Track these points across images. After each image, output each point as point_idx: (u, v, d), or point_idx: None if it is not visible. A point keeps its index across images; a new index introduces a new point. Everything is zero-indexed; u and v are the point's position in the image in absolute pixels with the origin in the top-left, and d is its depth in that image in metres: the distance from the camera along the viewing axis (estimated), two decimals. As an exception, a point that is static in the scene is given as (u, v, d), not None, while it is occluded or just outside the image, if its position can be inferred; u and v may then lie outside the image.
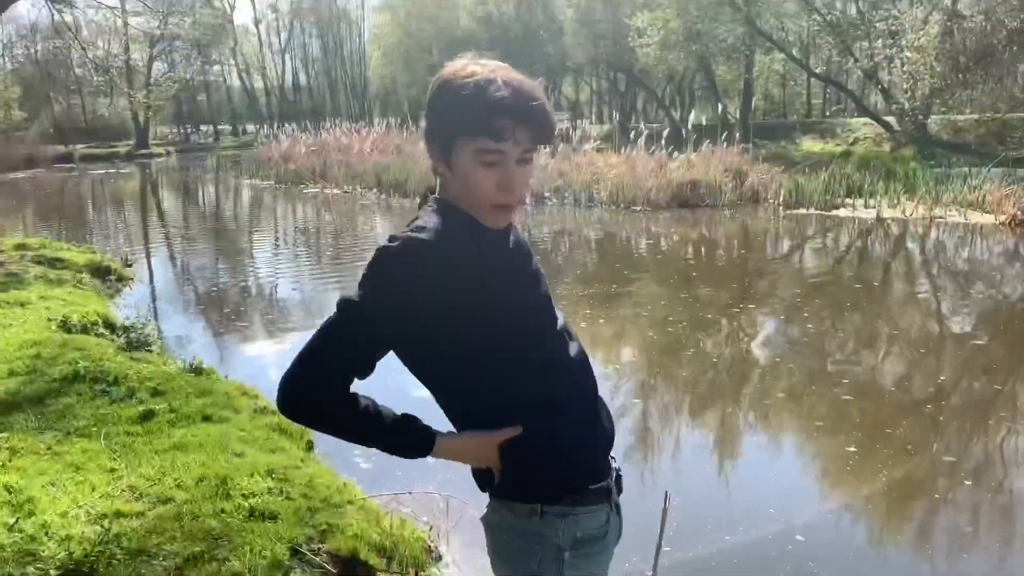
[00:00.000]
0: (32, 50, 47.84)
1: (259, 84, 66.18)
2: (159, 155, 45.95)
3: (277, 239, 15.72)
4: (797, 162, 20.78)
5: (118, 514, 3.28)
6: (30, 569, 2.85)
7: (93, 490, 3.50)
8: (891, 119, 26.42)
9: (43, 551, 2.96)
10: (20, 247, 10.63)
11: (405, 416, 1.49)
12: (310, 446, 4.62)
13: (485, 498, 1.62)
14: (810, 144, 27.64)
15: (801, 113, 41.30)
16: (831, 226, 14.50)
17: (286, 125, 35.57)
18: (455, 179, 1.48)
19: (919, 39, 20.75)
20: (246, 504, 3.40)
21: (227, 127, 64.52)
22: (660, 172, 17.18)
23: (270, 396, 5.14)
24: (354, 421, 1.44)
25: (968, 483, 4.46)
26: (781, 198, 16.39)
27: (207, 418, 4.49)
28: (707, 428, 5.53)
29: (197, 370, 5.53)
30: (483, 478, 1.58)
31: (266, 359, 7.06)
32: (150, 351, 6.25)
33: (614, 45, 35.68)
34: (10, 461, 3.77)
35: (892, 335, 7.54)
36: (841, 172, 17.60)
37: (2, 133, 40.22)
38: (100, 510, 3.30)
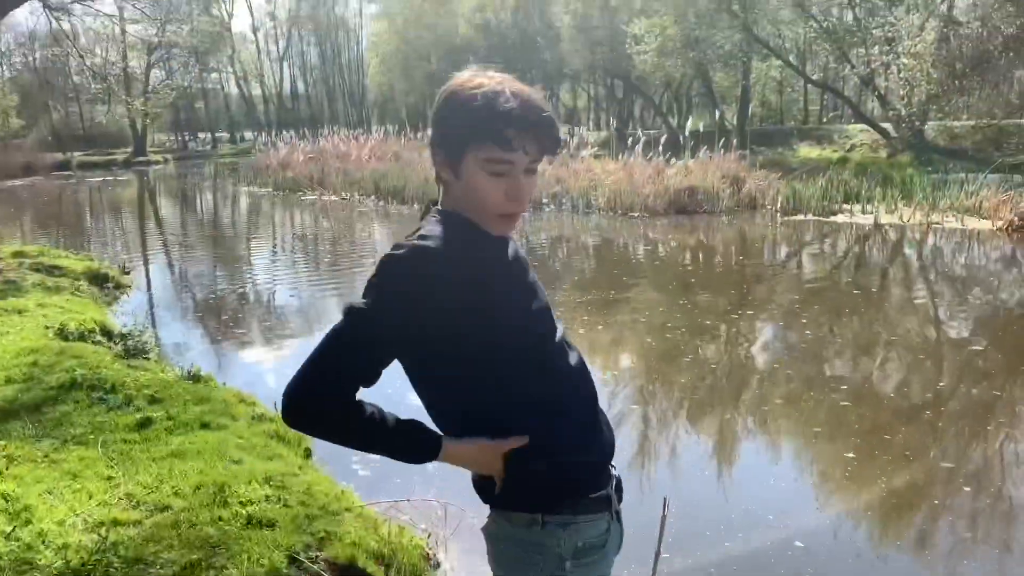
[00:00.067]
0: (30, 58, 47.88)
1: (257, 92, 66.30)
2: (157, 162, 45.98)
3: (275, 246, 15.72)
4: (794, 168, 20.82)
5: (115, 522, 3.27)
6: (27, 578, 2.84)
7: (90, 498, 3.49)
8: (888, 125, 26.49)
9: (40, 560, 2.95)
10: (18, 254, 10.62)
11: (411, 422, 1.49)
12: (308, 453, 4.61)
13: (483, 506, 1.62)
14: (807, 150, 27.71)
15: (798, 119, 41.37)
16: (829, 232, 14.52)
17: (284, 132, 35.55)
18: (461, 187, 1.50)
19: (915, 45, 20.81)
20: (244, 512, 3.39)
21: (225, 135, 64.58)
22: (658, 179, 17.21)
23: (268, 403, 5.14)
24: (361, 429, 1.44)
25: (967, 489, 4.46)
26: (779, 204, 16.42)
27: (205, 425, 4.48)
28: (706, 434, 5.52)
29: (195, 377, 5.53)
30: (484, 488, 1.58)
31: (264, 366, 7.05)
32: (148, 358, 6.24)
33: (611, 52, 35.78)
34: (7, 469, 3.76)
35: (890, 341, 7.54)
36: (838, 178, 17.64)
37: (0, 141, 40.21)
38: (97, 518, 3.29)
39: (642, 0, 32.55)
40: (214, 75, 61.76)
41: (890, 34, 23.06)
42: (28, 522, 3.19)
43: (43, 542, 3.06)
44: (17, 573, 2.86)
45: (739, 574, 3.66)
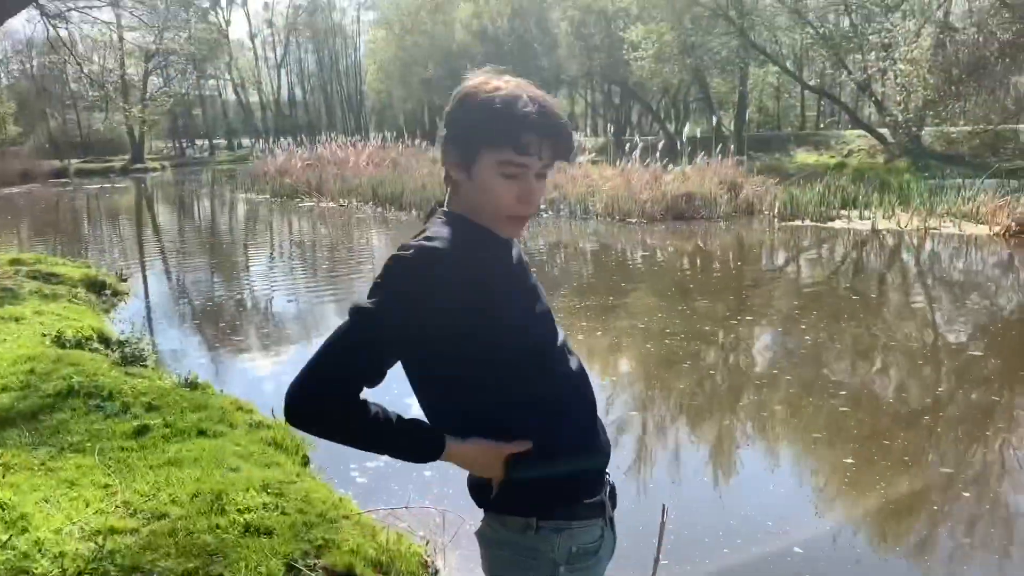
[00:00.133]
0: (28, 65, 47.87)
1: (254, 98, 66.38)
2: (154, 169, 46.00)
3: (272, 253, 15.71)
4: (792, 174, 20.86)
5: (112, 530, 3.25)
6: (23, 587, 2.82)
7: (87, 506, 3.48)
8: (885, 131, 26.55)
9: (36, 568, 2.94)
10: (15, 262, 10.61)
11: (413, 421, 1.49)
12: (306, 461, 4.60)
13: (482, 513, 1.61)
14: (804, 156, 27.76)
15: (795, 125, 41.47)
16: (826, 237, 14.53)
17: (282, 139, 35.63)
18: (472, 187, 1.51)
19: (912, 51, 20.85)
20: (241, 519, 3.37)
21: (222, 141, 64.61)
22: (655, 184, 17.23)
23: (265, 410, 5.13)
24: (364, 429, 1.44)
25: (966, 495, 4.46)
26: (776, 210, 16.44)
27: (202, 433, 4.47)
28: (704, 440, 5.51)
29: (192, 385, 5.52)
30: (479, 491, 1.58)
31: (262, 374, 7.04)
32: (145, 366, 6.23)
33: (608, 58, 35.85)
34: (3, 477, 3.74)
35: (889, 346, 7.54)
36: (835, 184, 17.68)
37: (-2, 148, 40.24)
38: (94, 526, 3.28)
39: (639, 6, 32.62)
40: (212, 82, 61.87)
41: (886, 40, 23.12)
42: (24, 530, 3.18)
43: (39, 550, 3.05)
44: (13, 582, 2.84)
45: (739, 581, 3.65)
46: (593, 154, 21.99)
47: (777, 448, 5.37)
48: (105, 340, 6.98)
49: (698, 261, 12.85)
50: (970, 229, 13.84)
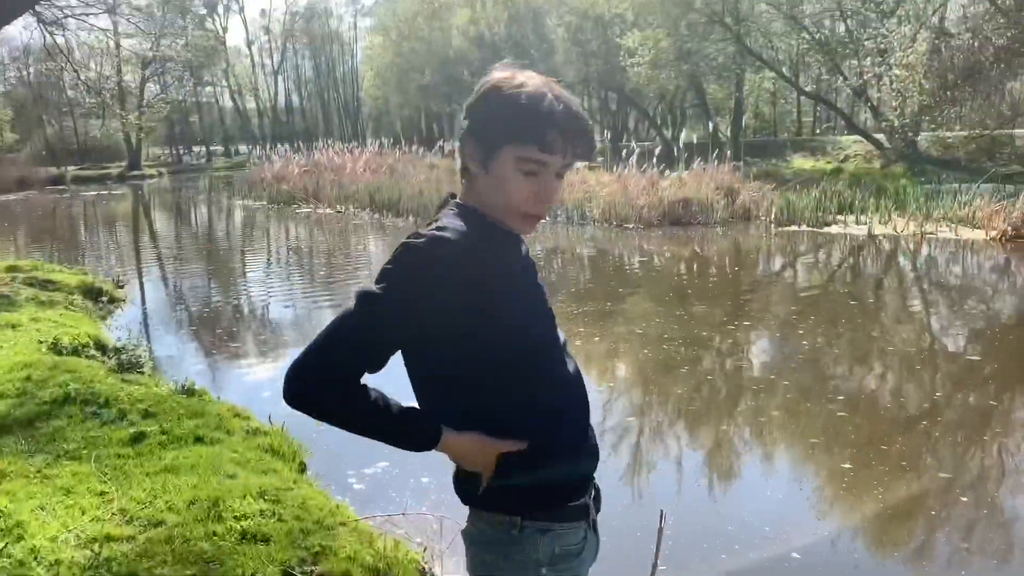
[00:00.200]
0: (24, 72, 47.96)
1: (252, 105, 66.50)
2: (151, 176, 45.96)
3: (269, 259, 15.70)
4: (788, 179, 20.89)
5: (108, 538, 3.24)
6: (18, 595, 2.81)
7: (83, 514, 3.46)
8: (881, 136, 26.63)
9: (32, 576, 2.92)
10: (11, 269, 10.58)
11: (411, 409, 1.49)
12: (303, 467, 4.59)
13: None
14: (801, 161, 27.82)
15: (791, 131, 41.59)
16: (823, 243, 14.55)
17: (279, 146, 35.59)
18: (490, 181, 1.51)
19: (907, 57, 20.92)
20: (238, 526, 3.36)
21: (220, 148, 64.62)
22: (652, 190, 17.25)
23: (262, 417, 5.12)
24: (363, 414, 1.44)
25: (964, 499, 4.45)
26: (773, 215, 16.46)
27: (199, 440, 4.46)
28: (702, 446, 5.51)
29: (189, 391, 5.50)
30: (466, 486, 1.58)
31: (259, 380, 7.02)
32: (141, 373, 6.21)
33: (605, 64, 35.95)
34: (-1, 485, 3.73)
35: (886, 351, 7.54)
36: (832, 189, 17.72)
37: (-6, 155, 40.22)
38: (90, 534, 3.27)
39: (635, 12, 32.72)
40: (209, 89, 61.99)
41: (882, 46, 23.20)
42: (20, 538, 3.17)
43: (35, 558, 3.04)
44: (9, 590, 2.83)
45: (737, 586, 3.64)
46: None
47: (775, 453, 5.36)
48: (102, 347, 6.96)
49: (695, 266, 12.86)
50: (966, 234, 13.87)
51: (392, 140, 30.87)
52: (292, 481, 4.05)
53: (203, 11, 57.53)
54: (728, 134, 34.05)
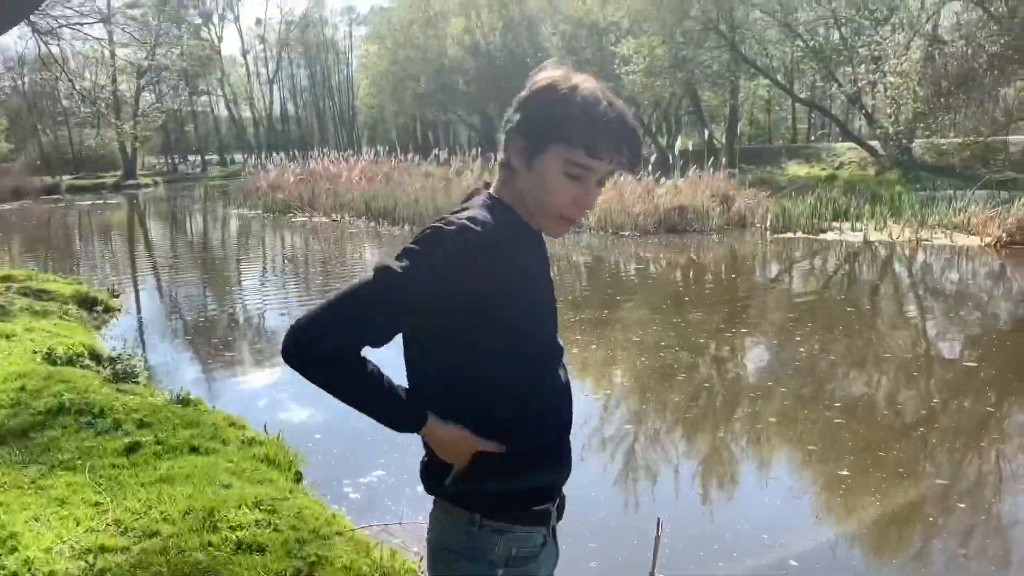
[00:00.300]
0: (19, 82, 47.92)
1: (247, 114, 66.52)
2: (147, 185, 45.94)
3: (265, 268, 15.67)
4: (783, 186, 20.95)
5: (103, 549, 3.22)
6: (12, 607, 2.79)
7: (77, 524, 3.44)
8: (875, 143, 26.71)
9: (25, 588, 2.90)
10: (6, 279, 10.55)
11: (403, 388, 1.49)
12: (299, 477, 4.57)
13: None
14: (796, 168, 27.90)
15: (786, 138, 41.72)
16: (819, 249, 14.58)
17: (274, 154, 35.64)
18: (530, 178, 1.50)
19: (901, 64, 21.01)
20: (233, 536, 3.35)
21: (215, 157, 64.61)
22: (647, 198, 17.27)
23: (258, 427, 5.10)
24: (356, 384, 1.43)
25: (962, 506, 4.45)
26: (768, 222, 16.50)
27: (194, 449, 4.44)
28: (699, 453, 5.50)
29: (184, 401, 5.48)
30: (433, 476, 1.57)
31: (254, 389, 7.00)
32: (136, 382, 6.19)
33: (600, 72, 35.69)
34: (-7, 496, 3.71)
35: (883, 358, 7.54)
36: (827, 196, 17.75)
37: (-11, 165, 40.17)
38: (84, 545, 3.25)
39: (630, 20, 32.81)
40: (204, 98, 62.01)
41: (876, 53, 23.31)
42: (14, 550, 3.15)
43: (29, 570, 3.02)
44: (2, 602, 2.81)
45: (735, 594, 3.63)
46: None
47: (772, 460, 5.35)
48: (96, 357, 6.94)
49: (691, 273, 12.86)
50: (961, 240, 13.90)
51: (388, 148, 30.92)
52: (288, 491, 4.04)
53: (198, 20, 57.63)
54: (723, 141, 34.16)
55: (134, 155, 48.95)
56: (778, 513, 4.47)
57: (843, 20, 26.81)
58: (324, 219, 22.01)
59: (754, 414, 6.00)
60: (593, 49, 36.51)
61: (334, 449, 5.31)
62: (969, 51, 19.90)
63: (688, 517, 4.42)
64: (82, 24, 17.04)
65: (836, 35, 28.25)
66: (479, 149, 27.91)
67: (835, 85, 28.49)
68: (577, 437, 5.51)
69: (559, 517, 1.65)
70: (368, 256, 16.08)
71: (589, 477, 4.86)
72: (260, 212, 25.15)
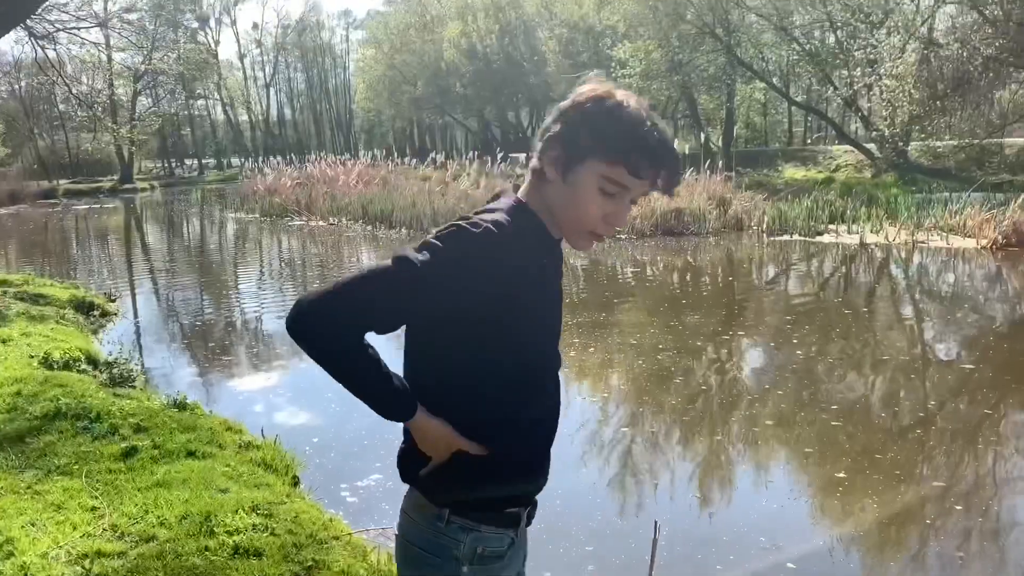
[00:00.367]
0: (15, 86, 47.82)
1: (244, 118, 66.55)
2: (143, 189, 45.85)
3: (262, 272, 15.67)
4: (780, 189, 20.98)
5: (99, 554, 3.22)
6: (8, 612, 2.79)
7: (74, 529, 3.44)
8: (872, 146, 26.74)
9: (22, 594, 2.90)
10: (2, 283, 10.54)
11: (399, 377, 1.49)
12: (296, 481, 4.57)
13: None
14: (792, 171, 27.92)
15: (783, 141, 41.74)
16: (815, 252, 14.59)
17: (271, 158, 35.62)
18: (563, 190, 1.49)
19: (897, 67, 21.05)
20: (230, 541, 3.34)
21: (212, 161, 64.59)
22: (644, 201, 17.23)
23: (255, 431, 5.09)
24: (355, 365, 1.43)
25: (959, 508, 4.45)
26: (765, 225, 16.52)
27: (191, 454, 4.43)
28: (697, 456, 5.50)
29: (181, 405, 5.47)
30: (410, 465, 1.57)
31: (251, 393, 6.99)
32: (133, 387, 6.19)
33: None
34: (-11, 501, 3.70)
35: (880, 360, 7.56)
36: (823, 199, 17.77)
37: (-15, 169, 40.12)
38: (81, 550, 3.24)
39: (626, 24, 32.86)
40: (201, 102, 61.99)
41: (872, 56, 23.33)
42: (11, 555, 3.14)
43: (26, 575, 3.01)
44: (-2, 608, 2.81)
45: (732, 597, 3.63)
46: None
47: (769, 463, 5.35)
48: (93, 361, 6.93)
49: (688, 276, 12.87)
50: (958, 242, 13.92)
51: (384, 152, 30.96)
52: (285, 495, 4.03)
53: (195, 24, 57.66)
54: (719, 144, 34.17)
55: (131, 159, 48.88)
56: (775, 516, 4.48)
57: (839, 23, 26.87)
58: (321, 223, 21.99)
59: (751, 417, 6.01)
60: (589, 53, 36.62)
61: (331, 453, 5.31)
62: (964, 54, 19.94)
63: (685, 520, 4.42)
64: (79, 28, 17.03)
65: (832, 38, 28.29)
66: (476, 152, 27.92)
67: (831, 88, 28.52)
68: (575, 440, 5.53)
69: (528, 522, 1.65)
70: (365, 259, 16.07)
71: (586, 480, 4.86)
72: (257, 216, 25.14)
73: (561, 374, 1.64)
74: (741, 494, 4.84)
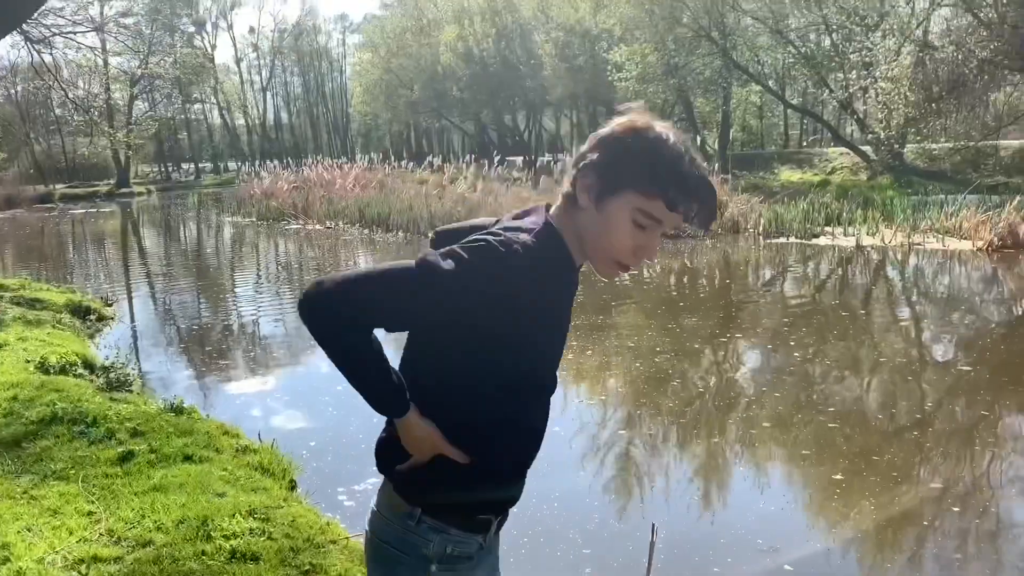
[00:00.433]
0: (12, 91, 47.72)
1: (240, 122, 66.51)
2: (140, 194, 45.80)
3: (259, 276, 15.66)
4: (776, 192, 21.00)
5: (96, 559, 3.21)
6: (5, 618, 2.78)
7: (70, 534, 3.43)
8: (867, 148, 26.81)
9: (18, 599, 2.89)
10: (-2, 288, 10.52)
11: (398, 374, 1.50)
12: (293, 485, 4.56)
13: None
14: (788, 174, 27.98)
15: (779, 143, 41.84)
16: (811, 254, 14.61)
17: (268, 162, 35.58)
18: (596, 218, 1.49)
19: (892, 70, 21.12)
20: (227, 545, 3.34)
21: (208, 165, 64.53)
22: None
23: (252, 435, 5.09)
24: (359, 355, 1.44)
25: (956, 509, 4.46)
26: (761, 228, 16.53)
27: (188, 458, 4.43)
28: (694, 459, 5.50)
29: (178, 410, 5.46)
30: (389, 457, 1.57)
31: (248, 398, 6.99)
32: (130, 391, 6.17)
33: (593, 79, 36.11)
34: (-15, 506, 3.69)
35: (877, 362, 7.56)
36: (819, 201, 17.80)
37: (-19, 174, 40.05)
38: (77, 555, 3.24)
39: (622, 28, 32.94)
40: (197, 106, 61.96)
41: (867, 59, 23.40)
42: (6, 560, 3.13)
43: (22, 581, 3.00)
44: (-5, 613, 2.80)
45: (730, 600, 3.63)
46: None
47: (767, 465, 5.35)
48: (90, 366, 6.91)
49: (685, 279, 12.88)
50: (953, 244, 13.95)
51: (381, 155, 30.95)
52: (282, 499, 4.03)
53: (191, 29, 57.68)
54: (716, 147, 34.25)
55: (127, 163, 48.84)
56: (773, 518, 4.47)
57: (834, 26, 26.96)
58: (318, 226, 21.98)
59: (748, 419, 6.01)
60: (585, 56, 36.66)
61: (328, 457, 5.30)
62: (959, 56, 20.01)
63: (683, 522, 4.42)
64: (75, 33, 17.05)
65: (827, 41, 28.40)
66: (473, 155, 27.93)
67: (827, 91, 28.61)
68: (572, 442, 5.53)
69: (499, 528, 1.66)
70: (362, 263, 16.06)
71: (584, 482, 4.86)
72: (254, 220, 25.12)
73: (559, 376, 1.64)
74: (738, 496, 4.84)
